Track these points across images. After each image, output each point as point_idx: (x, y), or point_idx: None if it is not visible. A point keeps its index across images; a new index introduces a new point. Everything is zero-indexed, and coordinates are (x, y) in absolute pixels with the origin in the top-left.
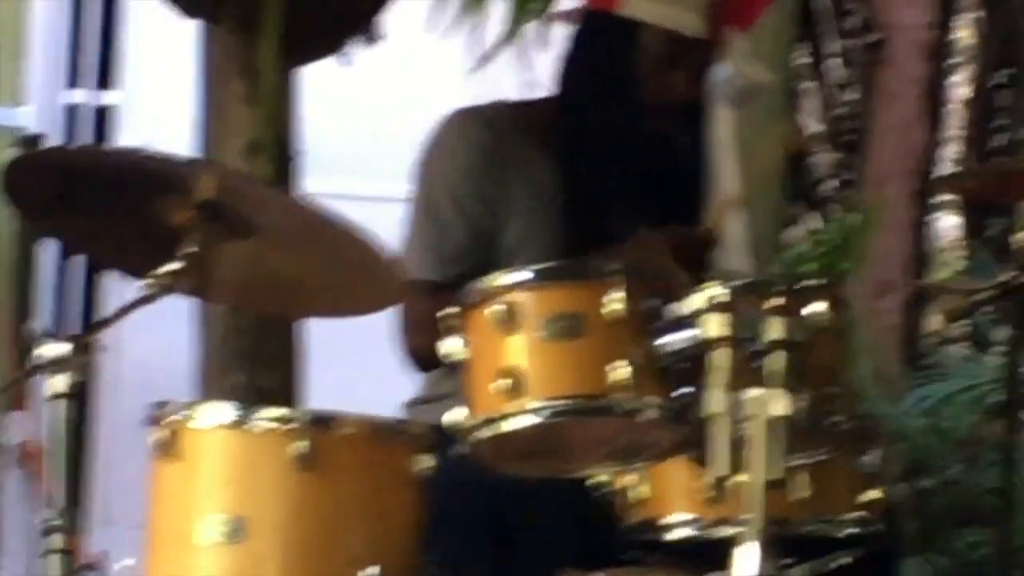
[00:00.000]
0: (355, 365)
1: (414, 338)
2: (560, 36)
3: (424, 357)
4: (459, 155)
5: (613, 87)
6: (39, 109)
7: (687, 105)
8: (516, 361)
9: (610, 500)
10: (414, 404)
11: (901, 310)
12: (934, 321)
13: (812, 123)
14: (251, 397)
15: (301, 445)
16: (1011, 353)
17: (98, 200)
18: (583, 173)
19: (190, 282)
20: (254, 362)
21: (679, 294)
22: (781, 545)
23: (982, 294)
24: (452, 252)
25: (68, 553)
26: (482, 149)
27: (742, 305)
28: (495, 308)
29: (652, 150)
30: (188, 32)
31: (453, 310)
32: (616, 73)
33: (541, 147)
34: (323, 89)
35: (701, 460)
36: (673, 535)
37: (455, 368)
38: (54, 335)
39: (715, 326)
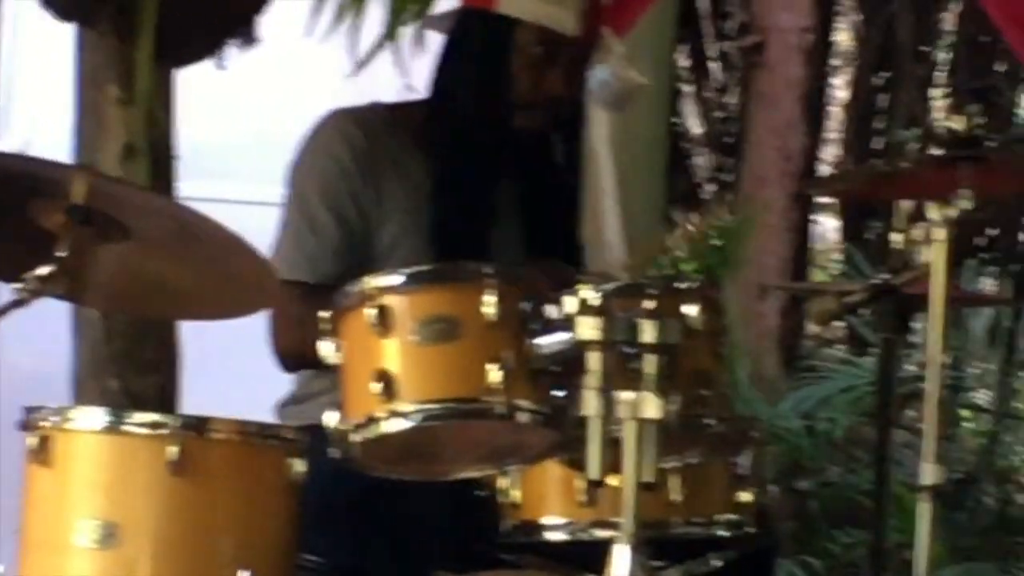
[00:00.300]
0: (230, 369)
1: (283, 338)
2: (437, 40)
3: (293, 357)
4: (334, 155)
5: (487, 85)
6: None
7: (563, 105)
8: (389, 364)
9: (491, 501)
10: (286, 405)
11: (779, 312)
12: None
13: (692, 125)
14: (125, 402)
15: (173, 450)
16: (885, 355)
17: None
18: (455, 172)
19: (63, 286)
20: (129, 367)
21: (553, 297)
22: (656, 547)
23: (854, 296)
24: (325, 252)
25: None
26: (357, 149)
27: (619, 307)
28: (368, 311)
29: (526, 149)
30: (65, 36)
31: (326, 313)
32: (490, 71)
33: (416, 148)
34: (199, 92)
35: (575, 463)
36: (548, 538)
37: (327, 368)
38: None
39: (588, 329)
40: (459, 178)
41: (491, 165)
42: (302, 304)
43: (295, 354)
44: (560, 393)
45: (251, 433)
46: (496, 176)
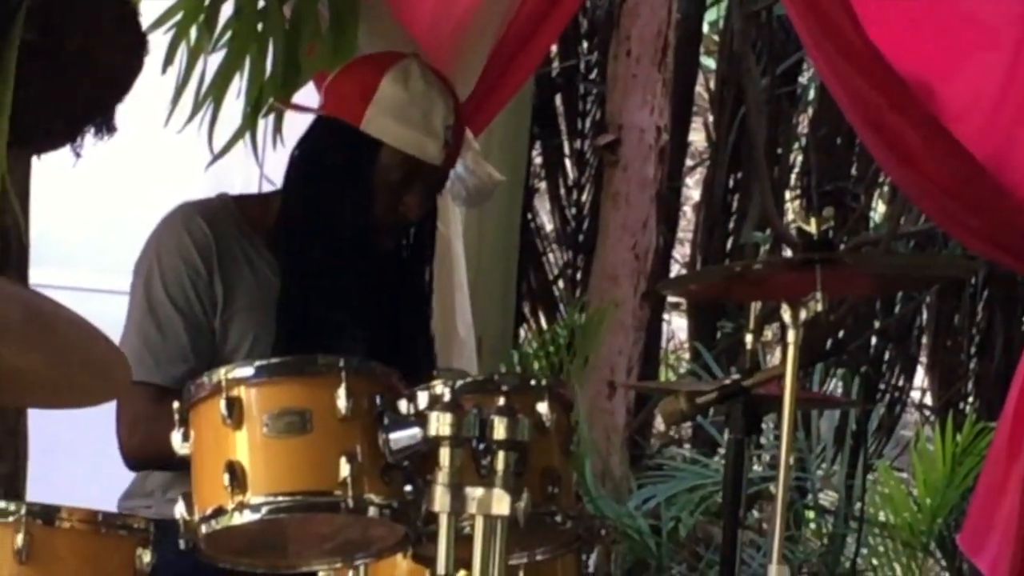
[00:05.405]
0: (78, 457)
1: (130, 439)
2: (294, 133)
3: (140, 458)
4: (181, 251)
5: (347, 199)
6: None
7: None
8: (239, 456)
9: None
10: (128, 498)
11: (628, 410)
12: (661, 422)
13: (546, 222)
14: None
15: (20, 538)
16: (734, 455)
17: None
18: (302, 274)
19: None
20: None
21: (405, 392)
22: None
23: (705, 397)
24: (172, 353)
25: None
26: (204, 245)
27: (470, 403)
28: (218, 403)
29: (378, 268)
30: None
31: (177, 404)
32: (352, 186)
33: (265, 246)
34: (53, 179)
35: (424, 558)
36: None
37: (169, 464)
38: None
39: (440, 425)
40: (309, 289)
41: (341, 280)
42: (149, 405)
43: (142, 455)
44: (410, 488)
45: (99, 522)
46: (346, 291)
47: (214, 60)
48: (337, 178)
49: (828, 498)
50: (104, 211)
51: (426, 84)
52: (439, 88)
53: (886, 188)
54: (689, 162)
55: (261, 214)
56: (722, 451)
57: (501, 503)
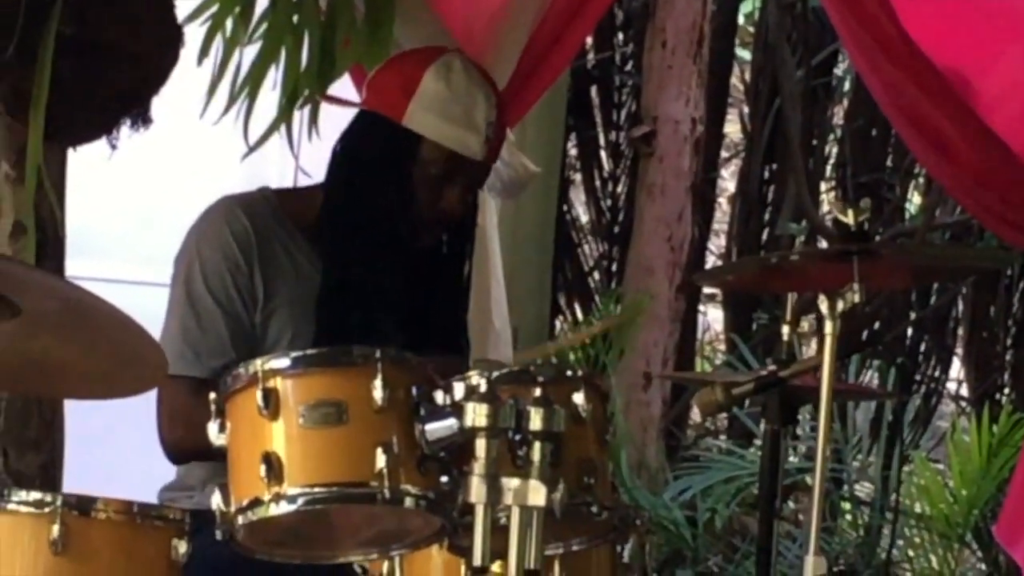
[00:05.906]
0: (114, 447)
1: (171, 432)
2: (330, 124)
3: (181, 451)
4: (222, 246)
5: (388, 194)
6: None
7: (460, 223)
8: (276, 447)
9: None
10: (169, 490)
11: (663, 402)
12: (697, 413)
13: (581, 213)
14: (7, 480)
15: (56, 529)
16: (770, 446)
17: None
18: (343, 269)
19: None
20: (13, 445)
21: (441, 383)
22: None
23: (742, 388)
24: (212, 347)
25: None
26: (245, 239)
27: (506, 394)
28: (254, 394)
29: (415, 257)
30: None
31: (214, 395)
32: (393, 180)
33: (305, 239)
34: (90, 171)
35: (460, 549)
36: None
37: (211, 456)
38: None
39: (476, 416)
40: (349, 284)
41: (382, 275)
42: (190, 398)
43: (184, 448)
44: (446, 479)
45: (135, 513)
46: (386, 287)
47: (250, 52)
48: (378, 173)
49: (864, 489)
50: (140, 203)
51: (468, 79)
52: (481, 83)
53: (922, 179)
54: (724, 153)
55: (302, 208)
56: (758, 442)
57: (537, 494)
